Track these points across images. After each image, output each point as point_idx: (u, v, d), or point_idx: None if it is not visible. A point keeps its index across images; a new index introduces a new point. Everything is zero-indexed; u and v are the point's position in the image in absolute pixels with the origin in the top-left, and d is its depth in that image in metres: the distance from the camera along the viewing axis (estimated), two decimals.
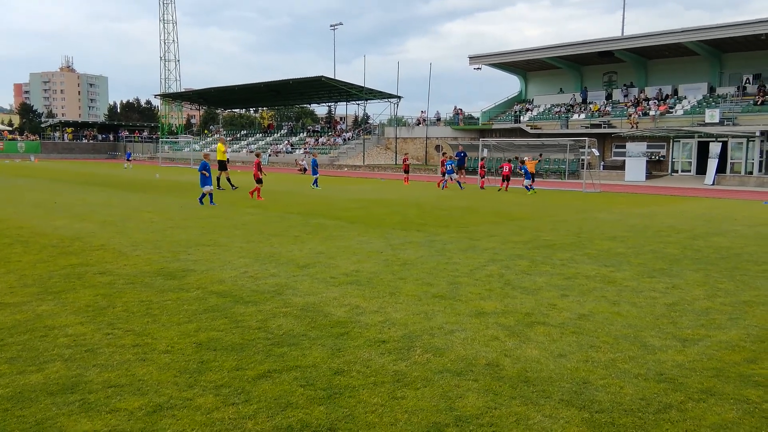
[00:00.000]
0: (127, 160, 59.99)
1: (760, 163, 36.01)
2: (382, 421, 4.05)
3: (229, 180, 24.72)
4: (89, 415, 4.08)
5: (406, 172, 33.43)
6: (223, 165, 24.73)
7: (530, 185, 26.59)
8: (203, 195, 18.37)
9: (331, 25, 72.39)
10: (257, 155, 22.86)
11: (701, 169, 37.53)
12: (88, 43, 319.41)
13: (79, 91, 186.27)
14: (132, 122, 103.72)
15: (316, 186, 27.09)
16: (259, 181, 21.12)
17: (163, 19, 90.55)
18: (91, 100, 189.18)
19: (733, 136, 36.38)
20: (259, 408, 4.21)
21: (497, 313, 6.66)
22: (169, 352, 5.32)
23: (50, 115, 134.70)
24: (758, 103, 38.51)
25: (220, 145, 25.39)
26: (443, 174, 29.30)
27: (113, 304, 6.84)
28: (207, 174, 18.25)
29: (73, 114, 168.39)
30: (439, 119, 58.96)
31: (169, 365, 5.00)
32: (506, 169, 27.67)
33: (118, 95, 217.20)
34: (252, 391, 4.48)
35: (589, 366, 5.11)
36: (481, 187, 28.90)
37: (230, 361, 5.09)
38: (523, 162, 28.39)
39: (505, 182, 27.51)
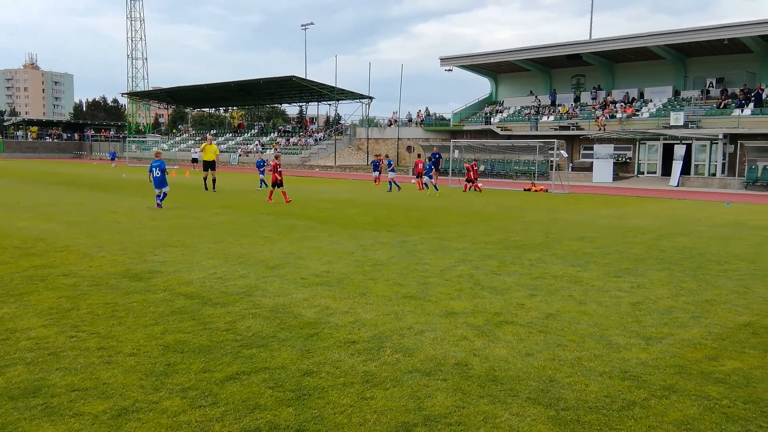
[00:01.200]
0: (111, 159, 58.07)
1: (723, 165, 36.96)
2: (351, 421, 4.04)
3: (214, 182, 24.31)
4: (52, 419, 4.00)
5: (379, 172, 32.47)
6: (211, 165, 24.48)
7: (431, 183, 26.86)
8: (164, 195, 17.38)
9: (302, 25, 72.23)
10: (276, 157, 21.26)
11: (666, 171, 38.37)
12: (52, 39, 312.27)
13: (43, 89, 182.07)
14: (98, 121, 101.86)
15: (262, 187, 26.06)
16: (278, 184, 20.06)
17: (131, 17, 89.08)
18: (56, 98, 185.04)
19: (697, 139, 37.27)
20: (227, 410, 4.17)
21: (467, 313, 6.72)
22: (134, 354, 5.24)
23: (13, 113, 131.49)
24: (721, 106, 39.52)
25: (210, 146, 24.80)
26: (419, 176, 28.78)
27: (77, 307, 6.71)
28: (158, 174, 17.24)
29: (37, 112, 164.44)
30: (410, 120, 59.15)
31: (135, 368, 4.92)
32: (475, 168, 28.09)
33: (83, 93, 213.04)
34: (220, 394, 4.44)
35: (556, 364, 5.18)
36: (479, 190, 27.68)
37: (197, 364, 5.03)
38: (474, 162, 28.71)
39: (469, 183, 27.91)
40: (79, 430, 3.85)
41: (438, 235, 12.87)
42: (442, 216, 16.98)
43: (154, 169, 17.52)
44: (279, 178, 20.02)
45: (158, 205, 17.16)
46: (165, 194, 17.52)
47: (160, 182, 17.37)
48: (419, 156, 31.13)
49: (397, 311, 6.76)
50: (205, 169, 24.76)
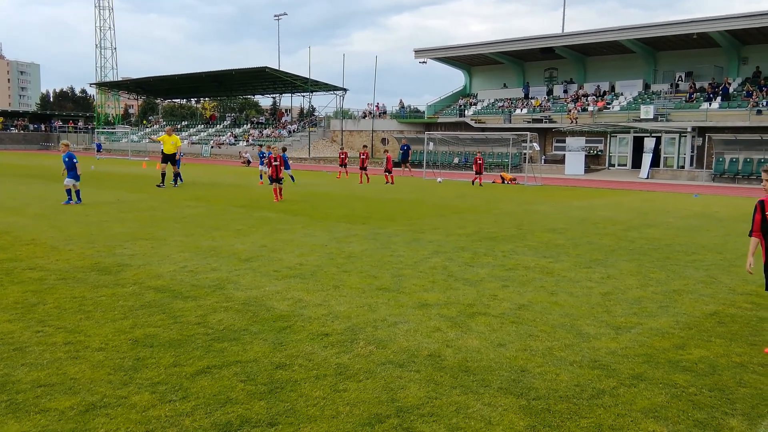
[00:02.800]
0: (98, 151, 56.53)
1: (692, 157, 37.65)
2: (323, 414, 4.03)
3: (177, 177, 22.73)
4: (17, 416, 3.91)
5: (344, 165, 30.65)
6: (171, 158, 22.37)
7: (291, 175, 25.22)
8: (77, 191, 16.42)
9: (275, 16, 71.48)
10: (284, 149, 20.84)
11: (637, 163, 38.97)
12: (17, 28, 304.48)
13: (9, 79, 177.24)
14: (66, 112, 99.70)
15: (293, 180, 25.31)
16: (276, 180, 18.39)
17: (99, 5, 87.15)
18: (22, 88, 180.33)
19: (667, 132, 37.90)
20: (197, 404, 4.12)
21: (440, 305, 6.74)
22: (102, 349, 5.15)
23: None
24: (690, 100, 40.21)
25: (170, 136, 22.74)
26: (388, 171, 28.04)
27: (44, 301, 6.57)
28: (69, 167, 16.28)
29: (3, 103, 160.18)
30: (384, 112, 59.04)
31: (103, 363, 4.83)
32: (479, 161, 27.23)
33: (50, 84, 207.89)
34: (190, 388, 4.39)
35: (527, 354, 5.23)
36: (480, 184, 27.06)
37: (167, 358, 4.96)
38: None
39: (478, 176, 27.15)
40: (45, 427, 3.78)
41: (412, 228, 12.88)
42: (417, 208, 17.00)
43: (66, 160, 16.47)
44: (277, 172, 18.38)
45: (72, 199, 16.24)
46: (78, 190, 16.44)
47: (75, 175, 16.37)
48: (386, 151, 30.19)
49: (370, 303, 6.75)
50: (164, 162, 22.34)
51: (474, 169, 27.96)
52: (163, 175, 22.15)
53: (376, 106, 58.76)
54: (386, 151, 30.53)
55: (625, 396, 4.42)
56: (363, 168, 28.26)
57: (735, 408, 4.27)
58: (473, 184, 27.27)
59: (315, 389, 4.41)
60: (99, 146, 57.41)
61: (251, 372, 4.70)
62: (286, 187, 20.67)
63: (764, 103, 36.18)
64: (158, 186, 21.73)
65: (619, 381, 4.70)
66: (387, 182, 27.49)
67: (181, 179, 23.31)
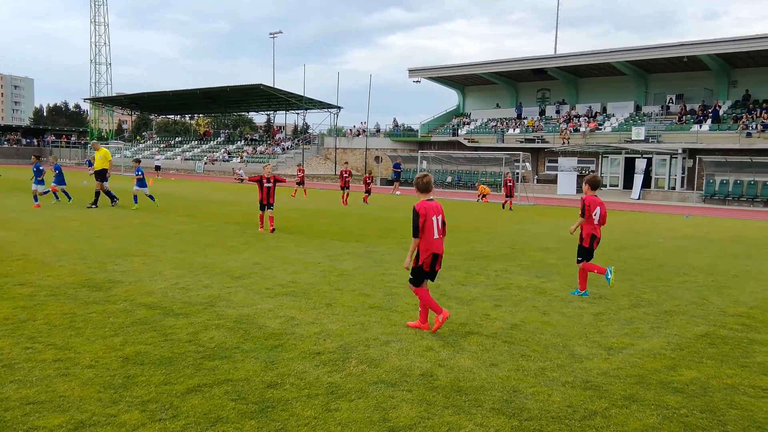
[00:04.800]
0: (89, 166, 56.42)
1: (682, 178, 37.99)
2: None
3: (97, 195, 19.54)
4: None
5: (346, 187, 25.82)
6: (100, 174, 19.59)
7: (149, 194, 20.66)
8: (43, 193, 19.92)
9: (271, 33, 72.18)
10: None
11: (628, 184, 39.26)
12: (11, 42, 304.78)
13: (2, 93, 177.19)
14: (59, 126, 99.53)
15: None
16: (267, 205, 14.63)
17: (95, 21, 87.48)
18: (15, 102, 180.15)
19: (658, 153, 38.24)
20: (188, 423, 4.09)
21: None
22: (92, 366, 5.10)
23: None
24: (680, 121, 40.64)
25: (99, 150, 20.09)
26: (367, 192, 26.90)
27: (34, 317, 6.51)
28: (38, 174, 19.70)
29: None
30: (378, 130, 59.31)
31: (93, 380, 4.79)
32: (509, 183, 25.72)
33: (44, 98, 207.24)
34: (180, 407, 4.35)
35: (520, 375, 5.22)
36: (510, 207, 25.42)
37: (158, 376, 4.93)
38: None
39: (508, 199, 25.68)
40: None
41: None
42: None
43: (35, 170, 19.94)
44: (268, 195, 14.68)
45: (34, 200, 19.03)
46: (43, 192, 20.23)
47: (42, 182, 19.91)
48: (371, 173, 29.75)
49: (362, 322, 6.73)
50: (97, 179, 19.73)
51: (503, 191, 26.17)
52: (97, 193, 19.55)
53: (362, 126, 59.01)
54: (370, 172, 30.15)
55: (617, 417, 4.42)
56: (345, 187, 25.76)
57: (726, 429, 4.27)
58: (503, 207, 25.46)
59: (306, 408, 4.39)
60: (89, 163, 57.30)
61: (242, 391, 4.67)
62: (195, 208, 19.59)
63: (753, 126, 36.62)
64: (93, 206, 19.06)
65: (611, 402, 4.69)
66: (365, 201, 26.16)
67: (96, 203, 19.36)
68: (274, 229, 14.39)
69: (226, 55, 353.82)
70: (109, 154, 20.23)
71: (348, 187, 25.77)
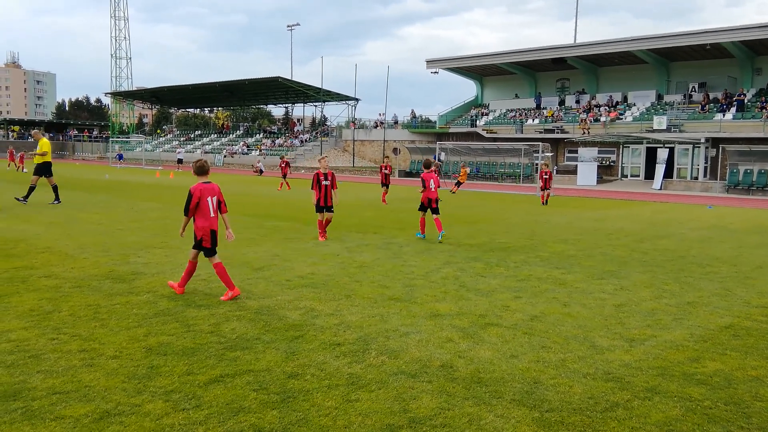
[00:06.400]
0: (119, 159, 57.42)
1: (705, 168, 37.42)
2: (335, 424, 4.03)
3: (30, 191, 17.53)
4: (32, 422, 3.94)
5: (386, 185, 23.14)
6: (42, 169, 17.47)
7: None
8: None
9: (288, 26, 72.06)
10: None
11: (650, 174, 38.75)
12: (34, 38, 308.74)
13: (25, 88, 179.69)
14: (81, 121, 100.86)
15: None
16: (325, 207, 12.42)
17: (115, 16, 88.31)
18: (38, 97, 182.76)
19: (680, 143, 37.69)
20: (211, 413, 4.14)
21: (452, 315, 6.72)
22: (117, 357, 5.18)
23: None
24: (703, 110, 39.99)
25: (42, 141, 17.68)
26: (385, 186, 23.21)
27: (59, 309, 6.62)
28: None
29: (19, 112, 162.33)
30: (396, 122, 59.20)
31: (117, 371, 4.87)
32: (545, 176, 23.56)
33: (66, 93, 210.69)
34: (203, 397, 4.41)
35: (540, 366, 5.20)
36: (545, 201, 23.35)
37: (181, 366, 4.99)
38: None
39: (545, 192, 23.47)
40: None
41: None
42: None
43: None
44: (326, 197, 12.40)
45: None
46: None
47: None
48: (388, 162, 24.36)
49: (382, 313, 6.75)
50: (42, 174, 17.59)
51: (540, 184, 24.31)
52: (32, 188, 17.51)
53: (380, 118, 58.92)
54: (382, 167, 26.57)
55: (640, 409, 4.39)
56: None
57: (751, 422, 4.22)
58: (544, 203, 23.21)
59: (327, 399, 4.42)
60: (120, 156, 58.49)
61: (264, 381, 4.72)
62: (289, 195, 20.36)
63: None
64: (17, 199, 17.58)
65: (634, 394, 4.66)
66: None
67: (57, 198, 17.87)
68: (325, 236, 12.17)
69: (242, 47, 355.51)
70: (48, 145, 17.65)
71: (388, 184, 23.03)
